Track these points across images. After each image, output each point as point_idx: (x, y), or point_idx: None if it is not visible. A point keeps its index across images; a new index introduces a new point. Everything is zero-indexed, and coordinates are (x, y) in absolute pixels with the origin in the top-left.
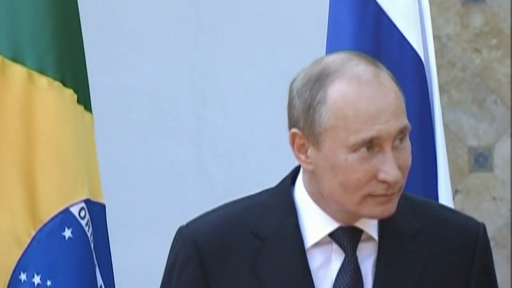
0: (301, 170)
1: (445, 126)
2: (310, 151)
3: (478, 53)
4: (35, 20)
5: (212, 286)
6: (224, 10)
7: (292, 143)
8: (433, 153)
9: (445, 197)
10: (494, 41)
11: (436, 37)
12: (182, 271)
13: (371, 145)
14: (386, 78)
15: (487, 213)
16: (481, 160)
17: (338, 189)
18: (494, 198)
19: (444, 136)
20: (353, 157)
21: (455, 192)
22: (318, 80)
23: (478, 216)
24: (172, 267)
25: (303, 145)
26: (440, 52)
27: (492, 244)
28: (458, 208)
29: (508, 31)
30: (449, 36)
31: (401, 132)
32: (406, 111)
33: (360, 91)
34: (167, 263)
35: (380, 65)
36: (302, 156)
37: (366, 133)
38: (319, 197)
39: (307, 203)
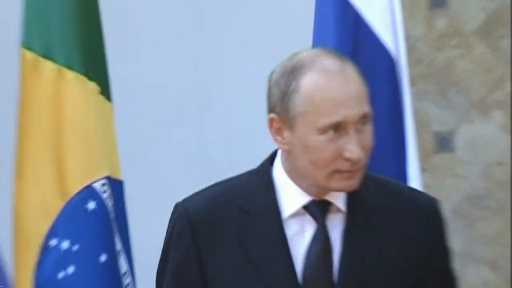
0: (279, 151)
1: (414, 114)
2: (286, 134)
3: (441, 52)
4: (64, 22)
5: (204, 255)
6: (226, 0)
7: (270, 126)
8: (403, 137)
9: (413, 174)
10: (455, 41)
11: (406, 38)
12: (178, 241)
13: (338, 128)
14: (351, 71)
15: (450, 189)
16: (444, 143)
17: (309, 166)
18: (455, 175)
19: (413, 122)
20: (322, 138)
21: (422, 170)
22: (292, 72)
23: (442, 191)
24: (170, 237)
25: (280, 128)
26: (409, 51)
27: (453, 214)
28: (425, 184)
29: (467, 32)
30: (417, 37)
31: (364, 117)
32: (374, 101)
33: (328, 81)
34: (166, 233)
35: (346, 59)
36: (279, 138)
37: (334, 118)
38: (294, 174)
39: (284, 180)
